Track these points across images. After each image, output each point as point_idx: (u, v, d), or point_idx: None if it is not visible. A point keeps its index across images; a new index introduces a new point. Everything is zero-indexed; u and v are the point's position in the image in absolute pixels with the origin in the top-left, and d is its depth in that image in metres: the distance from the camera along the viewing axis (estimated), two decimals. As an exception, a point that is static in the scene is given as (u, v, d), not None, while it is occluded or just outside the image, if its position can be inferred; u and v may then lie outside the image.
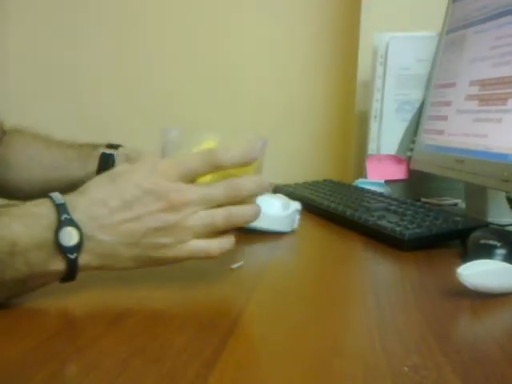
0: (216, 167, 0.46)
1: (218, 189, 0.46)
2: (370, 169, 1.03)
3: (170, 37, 1.36)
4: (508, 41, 0.76)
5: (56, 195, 0.44)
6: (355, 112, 1.24)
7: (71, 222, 0.42)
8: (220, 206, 0.46)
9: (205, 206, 0.45)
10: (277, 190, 0.94)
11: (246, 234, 0.64)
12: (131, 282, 0.50)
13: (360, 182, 0.99)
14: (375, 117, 1.04)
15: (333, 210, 0.78)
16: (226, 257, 0.49)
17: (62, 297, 0.45)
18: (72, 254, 0.42)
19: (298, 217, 0.73)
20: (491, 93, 0.77)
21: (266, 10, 1.33)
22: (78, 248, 0.43)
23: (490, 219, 0.78)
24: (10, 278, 0.41)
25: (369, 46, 1.09)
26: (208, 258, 0.47)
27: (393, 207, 0.75)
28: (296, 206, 0.72)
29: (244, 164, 0.47)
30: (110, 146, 0.76)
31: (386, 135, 1.03)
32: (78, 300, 0.46)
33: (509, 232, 0.62)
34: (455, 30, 0.92)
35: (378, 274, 0.58)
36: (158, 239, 0.45)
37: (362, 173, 1.06)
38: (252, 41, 1.34)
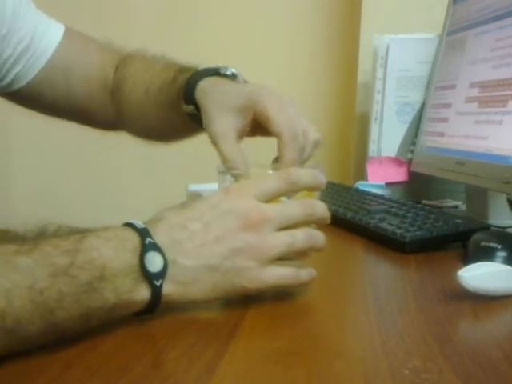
0: (292, 185, 0.46)
1: (295, 207, 0.45)
2: (370, 171, 1.03)
3: (168, 37, 1.36)
4: (508, 42, 0.76)
5: (137, 221, 0.42)
6: (355, 114, 1.24)
7: (155, 247, 0.40)
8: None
9: (282, 225, 0.44)
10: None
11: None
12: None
13: (360, 184, 0.99)
14: (376, 119, 1.04)
15: (333, 212, 0.78)
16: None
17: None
18: (157, 280, 0.40)
19: None
20: (491, 95, 0.77)
21: (267, 11, 1.33)
22: (162, 274, 0.40)
23: (491, 221, 0.78)
24: (97, 307, 0.38)
25: (369, 48, 1.09)
26: (295, 285, 0.46)
27: (393, 209, 0.75)
28: None
29: (315, 187, 0.48)
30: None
31: (387, 137, 1.03)
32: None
33: (510, 234, 0.62)
34: (456, 31, 0.92)
35: (379, 277, 0.58)
36: (239, 262, 0.43)
37: (362, 175, 1.06)
38: (251, 43, 1.34)
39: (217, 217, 0.43)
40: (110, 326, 0.41)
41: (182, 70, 0.65)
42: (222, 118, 0.55)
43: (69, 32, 0.71)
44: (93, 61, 0.73)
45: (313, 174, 0.47)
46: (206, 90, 0.58)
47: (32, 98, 0.70)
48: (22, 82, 0.68)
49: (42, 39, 0.68)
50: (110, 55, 0.75)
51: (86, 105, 0.73)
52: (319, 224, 0.49)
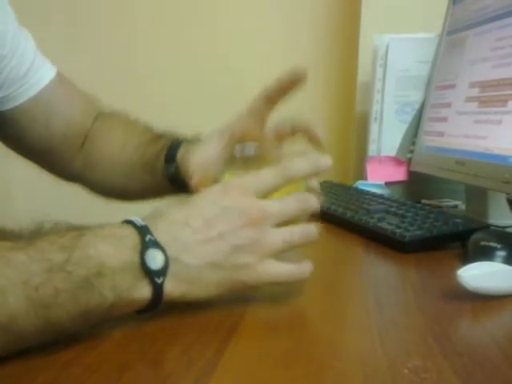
0: (291, 179, 0.47)
1: (292, 203, 0.46)
2: (370, 170, 1.03)
3: (167, 39, 1.36)
4: (508, 42, 0.75)
5: (136, 219, 0.42)
6: (355, 113, 1.24)
7: (155, 244, 0.40)
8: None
9: (280, 221, 0.45)
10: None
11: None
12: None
13: (360, 184, 0.99)
14: (375, 118, 1.04)
15: (333, 211, 0.78)
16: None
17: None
18: (159, 277, 0.40)
19: None
20: (491, 94, 0.77)
21: (266, 12, 1.33)
22: (163, 271, 0.40)
23: (491, 221, 0.78)
24: (95, 304, 0.38)
25: (369, 48, 1.09)
26: (292, 281, 0.47)
27: (393, 209, 0.75)
28: None
29: (314, 173, 0.48)
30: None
31: (386, 137, 1.03)
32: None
33: (509, 234, 0.62)
34: (455, 31, 0.92)
35: (379, 276, 0.58)
36: (240, 258, 0.43)
37: (362, 174, 1.06)
38: (251, 43, 1.34)
39: (218, 213, 0.43)
40: (110, 325, 0.41)
41: (162, 134, 0.70)
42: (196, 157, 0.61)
43: (60, 74, 0.73)
44: (76, 106, 0.75)
45: (311, 162, 0.48)
46: (189, 150, 0.64)
47: (7, 124, 0.70)
48: (5, 107, 0.68)
49: (38, 71, 0.70)
50: (92, 105, 0.77)
51: (57, 147, 0.74)
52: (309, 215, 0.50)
